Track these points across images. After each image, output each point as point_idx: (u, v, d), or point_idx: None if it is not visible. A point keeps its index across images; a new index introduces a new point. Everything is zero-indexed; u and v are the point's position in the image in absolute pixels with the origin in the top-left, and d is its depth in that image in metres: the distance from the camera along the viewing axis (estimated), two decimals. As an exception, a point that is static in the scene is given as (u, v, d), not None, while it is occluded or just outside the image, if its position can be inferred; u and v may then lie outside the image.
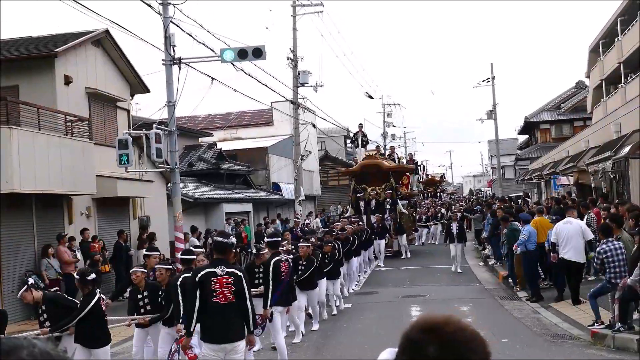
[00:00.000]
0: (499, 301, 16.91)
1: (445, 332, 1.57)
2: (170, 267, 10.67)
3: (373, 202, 30.35)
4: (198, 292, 7.88)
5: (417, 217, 36.49)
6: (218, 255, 8.17)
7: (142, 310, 10.26)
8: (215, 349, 7.95)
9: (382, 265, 26.19)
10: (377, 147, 35.90)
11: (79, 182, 18.70)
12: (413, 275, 22.88)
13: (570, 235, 14.46)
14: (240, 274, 8.08)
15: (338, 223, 22.19)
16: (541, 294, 16.19)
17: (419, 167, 75.60)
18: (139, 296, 10.32)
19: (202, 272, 7.97)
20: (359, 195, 30.82)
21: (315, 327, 14.30)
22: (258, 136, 45.96)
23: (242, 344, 8.12)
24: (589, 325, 12.18)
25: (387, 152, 36.49)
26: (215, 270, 7.90)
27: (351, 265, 19.74)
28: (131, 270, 10.73)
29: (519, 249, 16.35)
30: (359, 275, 22.16)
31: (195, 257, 10.60)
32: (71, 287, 17.99)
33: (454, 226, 23.57)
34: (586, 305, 13.38)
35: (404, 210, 31.36)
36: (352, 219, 24.11)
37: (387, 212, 29.74)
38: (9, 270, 16.73)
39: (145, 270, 10.68)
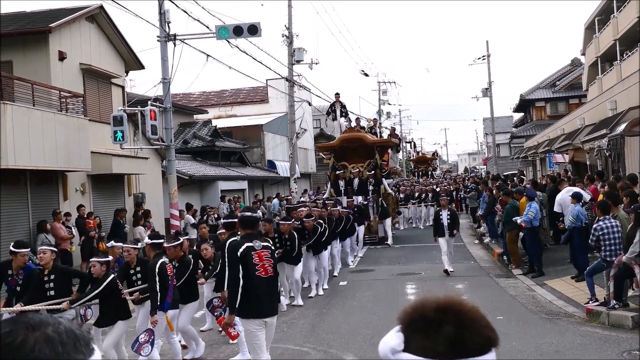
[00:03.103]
0: (494, 279, 16.96)
1: (463, 312, 1.57)
2: (139, 246, 10.66)
3: (356, 181, 26.70)
4: (241, 267, 7.83)
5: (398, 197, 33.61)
6: (247, 230, 8.13)
7: (134, 285, 10.31)
8: (260, 323, 7.95)
9: (360, 255, 22.51)
10: (357, 118, 31.60)
11: (73, 159, 18.65)
12: (408, 253, 22.94)
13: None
14: (272, 247, 8.29)
15: (303, 208, 17.94)
16: (542, 270, 16.36)
17: (402, 143, 75.33)
18: (131, 272, 10.34)
19: (243, 247, 7.89)
20: (338, 173, 27.07)
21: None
22: (253, 114, 45.94)
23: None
24: (584, 303, 12.24)
25: (369, 125, 33.20)
26: (253, 244, 7.91)
27: (322, 261, 16.32)
28: (124, 246, 10.68)
29: (524, 224, 16.46)
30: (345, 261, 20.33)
31: (163, 241, 10.45)
32: (66, 263, 18.01)
33: (444, 215, 18.18)
34: (581, 282, 13.44)
35: (389, 191, 28.72)
36: (327, 202, 21.11)
37: (370, 193, 26.47)
38: (4, 246, 16.68)
39: (139, 246, 10.77)
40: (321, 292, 16.10)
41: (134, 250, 10.40)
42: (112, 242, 11.63)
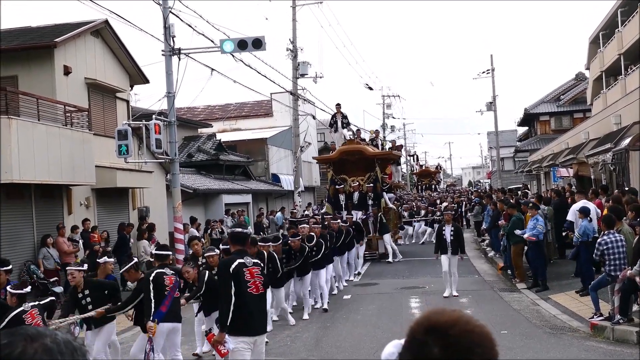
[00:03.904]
0: (498, 293, 16.92)
1: (451, 335, 1.56)
2: (84, 268, 10.02)
3: (355, 195, 25.75)
4: (233, 284, 7.64)
5: (402, 213, 32.49)
6: (238, 246, 7.98)
7: (86, 311, 9.71)
8: (250, 341, 7.80)
9: (356, 276, 20.79)
10: (358, 130, 30.79)
11: (78, 173, 18.68)
12: (411, 267, 22.89)
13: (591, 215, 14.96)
14: (262, 264, 8.26)
15: (305, 225, 16.61)
16: (547, 284, 16.29)
17: (412, 157, 75.12)
18: (79, 296, 9.75)
19: (235, 263, 7.72)
20: (338, 187, 26.17)
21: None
22: (257, 127, 46.01)
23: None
24: (589, 318, 12.19)
25: (371, 137, 32.09)
26: (244, 261, 7.78)
27: (305, 283, 15.19)
28: (68, 268, 10.08)
29: (534, 239, 16.37)
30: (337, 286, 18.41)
31: (170, 253, 10.29)
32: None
33: (447, 230, 17.05)
34: (586, 297, 13.41)
35: (391, 205, 27.54)
36: (325, 217, 20.32)
37: (369, 207, 25.49)
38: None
39: (84, 268, 10.04)
40: (307, 314, 14.95)
41: (78, 273, 9.72)
42: (105, 258, 11.08)
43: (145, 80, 24.79)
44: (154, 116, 18.42)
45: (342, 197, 25.99)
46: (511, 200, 20.72)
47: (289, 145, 39.61)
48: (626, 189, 18.78)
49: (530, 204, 17.69)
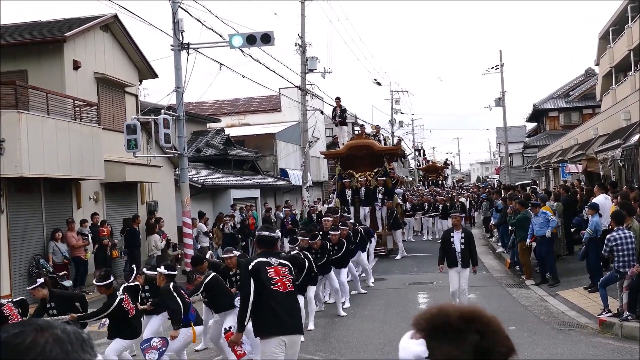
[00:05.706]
0: (507, 289, 16.92)
1: (486, 322, 1.60)
2: (38, 284, 10.00)
3: (362, 190, 25.28)
4: (252, 282, 7.27)
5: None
6: (264, 249, 7.65)
7: None
8: (279, 343, 7.24)
9: (372, 284, 18.48)
10: (362, 126, 30.24)
11: (87, 167, 18.74)
12: (419, 262, 22.85)
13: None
14: (290, 266, 7.69)
15: (329, 218, 16.44)
16: (557, 277, 16.24)
17: (418, 151, 74.86)
18: (47, 306, 9.84)
19: (255, 261, 7.40)
20: (344, 182, 25.80)
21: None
22: (266, 122, 46.01)
23: (301, 337, 7.78)
24: (597, 314, 12.17)
25: (372, 132, 31.31)
26: (267, 260, 7.42)
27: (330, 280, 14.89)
28: (28, 288, 10.20)
29: (547, 232, 16.31)
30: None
31: (176, 273, 10.36)
32: (80, 270, 18.13)
33: (457, 237, 13.35)
34: (594, 293, 13.38)
35: (399, 201, 27.60)
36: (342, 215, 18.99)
37: (380, 202, 25.15)
38: (18, 254, 16.80)
39: (39, 284, 10.02)
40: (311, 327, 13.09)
41: (39, 289, 9.83)
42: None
43: (154, 75, 24.83)
44: (162, 111, 18.47)
45: (348, 192, 25.73)
46: (519, 196, 20.68)
47: (297, 140, 39.58)
48: (635, 185, 18.72)
49: (530, 204, 17.64)
